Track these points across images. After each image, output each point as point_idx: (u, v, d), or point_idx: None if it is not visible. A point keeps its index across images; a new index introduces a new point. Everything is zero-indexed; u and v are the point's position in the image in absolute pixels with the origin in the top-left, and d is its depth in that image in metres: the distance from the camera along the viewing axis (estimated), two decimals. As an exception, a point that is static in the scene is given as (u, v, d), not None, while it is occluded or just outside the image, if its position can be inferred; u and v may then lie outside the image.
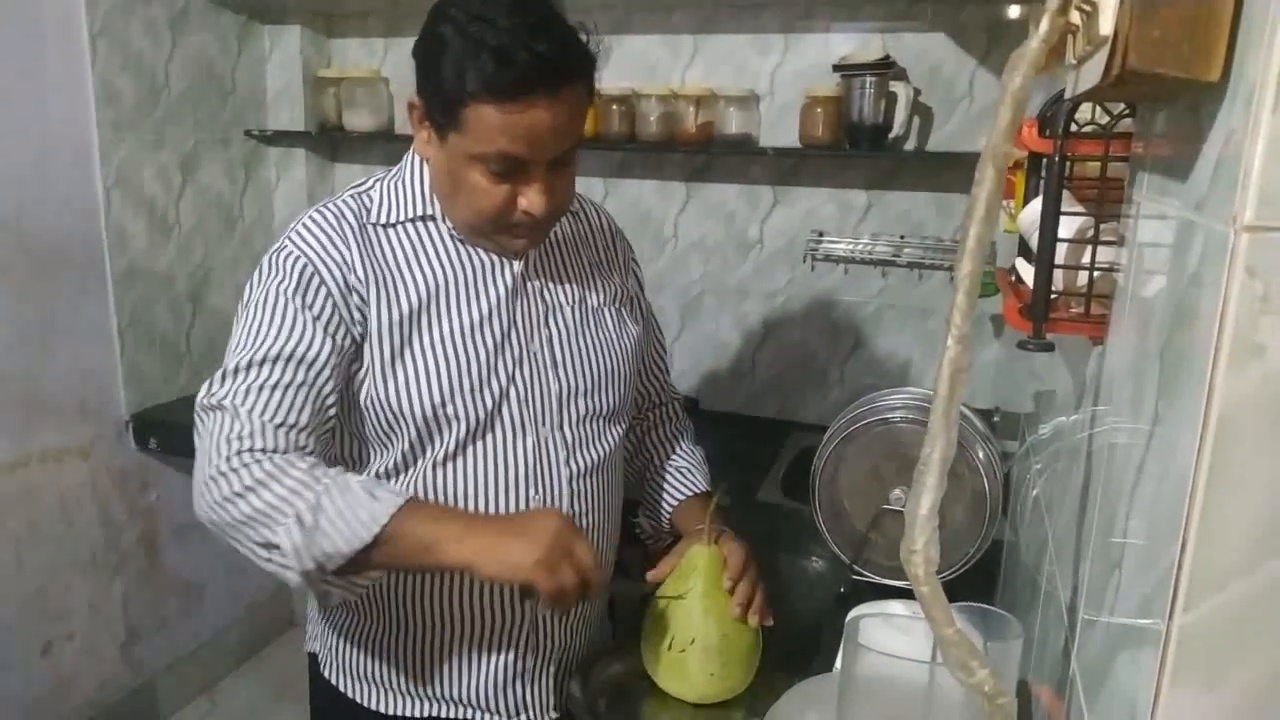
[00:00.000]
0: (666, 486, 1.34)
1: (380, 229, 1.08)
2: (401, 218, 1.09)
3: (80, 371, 2.10)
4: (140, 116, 2.17)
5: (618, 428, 1.23)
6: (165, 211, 2.27)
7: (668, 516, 1.32)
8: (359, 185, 1.12)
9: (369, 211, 1.09)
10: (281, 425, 1.00)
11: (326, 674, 1.23)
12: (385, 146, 2.52)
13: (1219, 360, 0.43)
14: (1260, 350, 0.42)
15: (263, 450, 0.98)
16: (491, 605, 1.15)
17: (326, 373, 1.03)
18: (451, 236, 1.10)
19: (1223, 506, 0.44)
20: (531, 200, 1.02)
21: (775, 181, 2.19)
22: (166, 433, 2.22)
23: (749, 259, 2.26)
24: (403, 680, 1.18)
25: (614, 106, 2.12)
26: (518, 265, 1.12)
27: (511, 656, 1.17)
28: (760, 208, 2.22)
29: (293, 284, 1.03)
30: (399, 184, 1.11)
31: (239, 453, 0.98)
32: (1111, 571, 0.63)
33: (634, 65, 2.20)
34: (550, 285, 1.16)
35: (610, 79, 2.17)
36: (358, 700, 1.20)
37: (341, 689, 1.21)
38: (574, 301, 1.18)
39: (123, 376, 2.20)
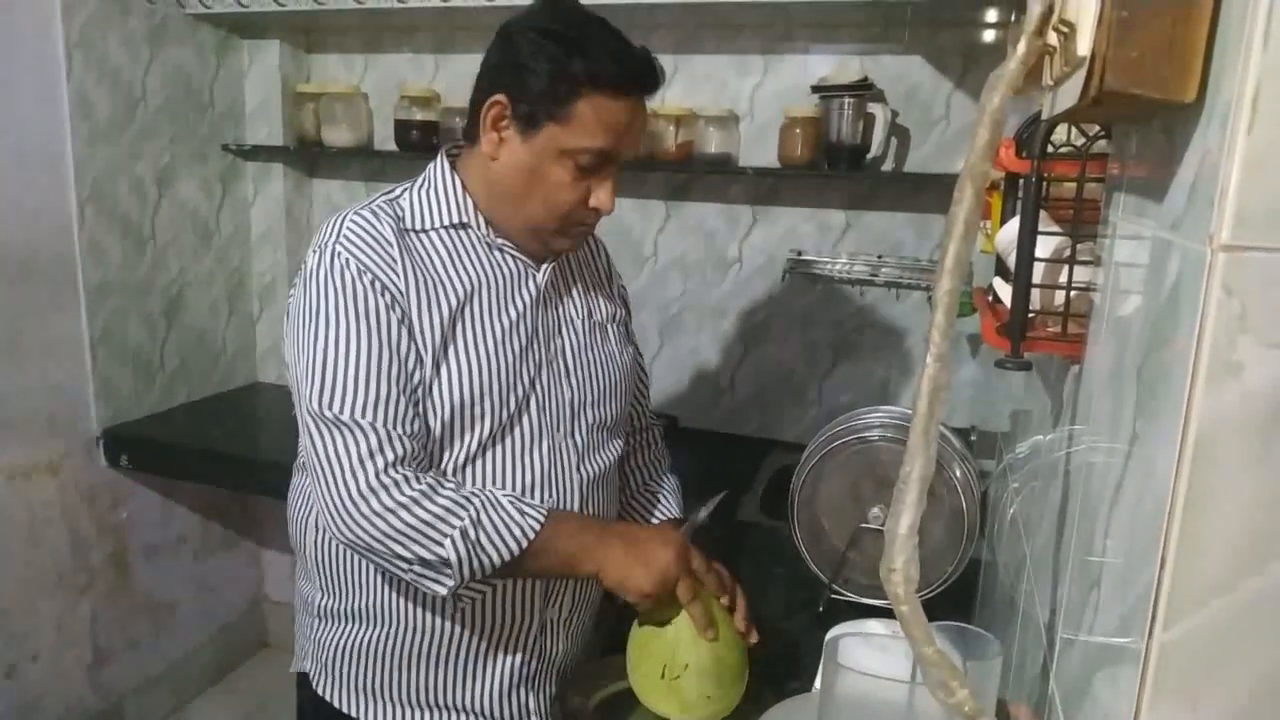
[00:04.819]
0: (640, 510, 1.38)
1: (415, 234, 1.11)
2: (436, 224, 1.12)
3: (50, 386, 2.07)
4: (116, 129, 2.15)
5: (618, 441, 1.28)
6: (140, 225, 2.25)
7: None
8: (388, 193, 1.15)
9: (401, 219, 1.11)
10: (405, 433, 1.05)
11: (322, 691, 1.23)
12: (364, 162, 2.51)
13: (1197, 379, 0.44)
14: (1238, 369, 0.43)
15: (401, 459, 1.04)
16: (503, 609, 1.17)
17: (417, 372, 1.07)
18: (485, 244, 1.14)
19: (1201, 524, 0.45)
20: (602, 198, 1.10)
21: (754, 201, 2.20)
22: (138, 449, 2.19)
23: (728, 277, 2.26)
24: (408, 690, 1.19)
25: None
26: (542, 276, 1.17)
27: (518, 661, 1.21)
28: (739, 227, 2.23)
29: (364, 288, 1.05)
30: (431, 192, 1.14)
31: (385, 468, 1.03)
32: (1090, 590, 0.63)
33: (614, 84, 2.20)
34: (562, 299, 1.22)
35: (591, 97, 2.18)
36: (357, 716, 1.21)
37: (339, 705, 1.21)
38: (582, 315, 1.23)
39: (94, 392, 2.17)
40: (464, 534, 1.03)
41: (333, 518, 1.03)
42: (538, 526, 1.06)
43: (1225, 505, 0.44)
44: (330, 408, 1.03)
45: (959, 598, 1.34)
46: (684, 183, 2.25)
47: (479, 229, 1.14)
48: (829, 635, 0.88)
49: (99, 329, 2.16)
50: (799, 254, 2.15)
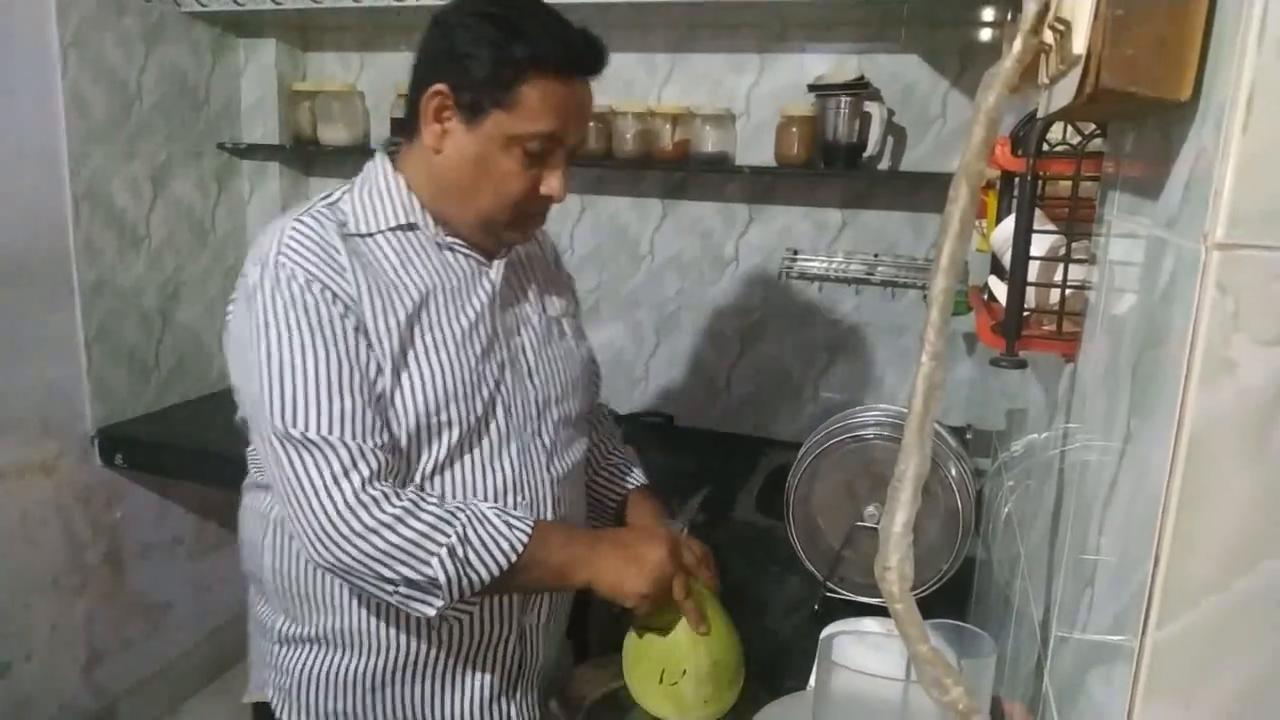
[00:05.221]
0: (607, 484, 1.36)
1: (360, 239, 1.07)
2: (382, 227, 1.08)
3: (45, 386, 2.06)
4: (111, 128, 2.14)
5: (583, 437, 1.26)
6: (135, 224, 2.24)
7: (613, 510, 1.34)
8: (326, 198, 1.10)
9: (344, 224, 1.07)
10: (376, 446, 1.01)
11: None
12: (360, 160, 2.47)
13: (1191, 377, 0.44)
14: (1231, 366, 0.43)
15: (376, 474, 1.00)
16: (482, 620, 1.13)
17: (379, 382, 1.03)
18: (435, 244, 1.11)
19: (1195, 523, 0.45)
20: (554, 186, 1.07)
21: (751, 199, 2.20)
22: (133, 449, 2.18)
23: (725, 276, 2.26)
24: (383, 712, 1.14)
25: (591, 124, 2.12)
26: (495, 274, 1.14)
27: (498, 672, 1.17)
28: (736, 225, 2.23)
29: (314, 298, 1.00)
30: (372, 193, 1.10)
31: (363, 486, 0.99)
32: (1084, 588, 0.63)
33: (611, 83, 2.18)
34: (517, 296, 1.19)
35: (587, 96, 2.18)
36: None
37: None
38: (538, 311, 1.20)
39: (89, 391, 2.16)
40: (451, 551, 0.99)
41: (311, 542, 0.99)
42: (525, 539, 1.03)
43: (1219, 503, 0.44)
44: (295, 426, 0.98)
45: (954, 596, 1.34)
46: (680, 181, 2.25)
47: (427, 229, 1.10)
48: (824, 633, 0.88)
49: (94, 328, 2.15)
50: (795, 253, 2.15)
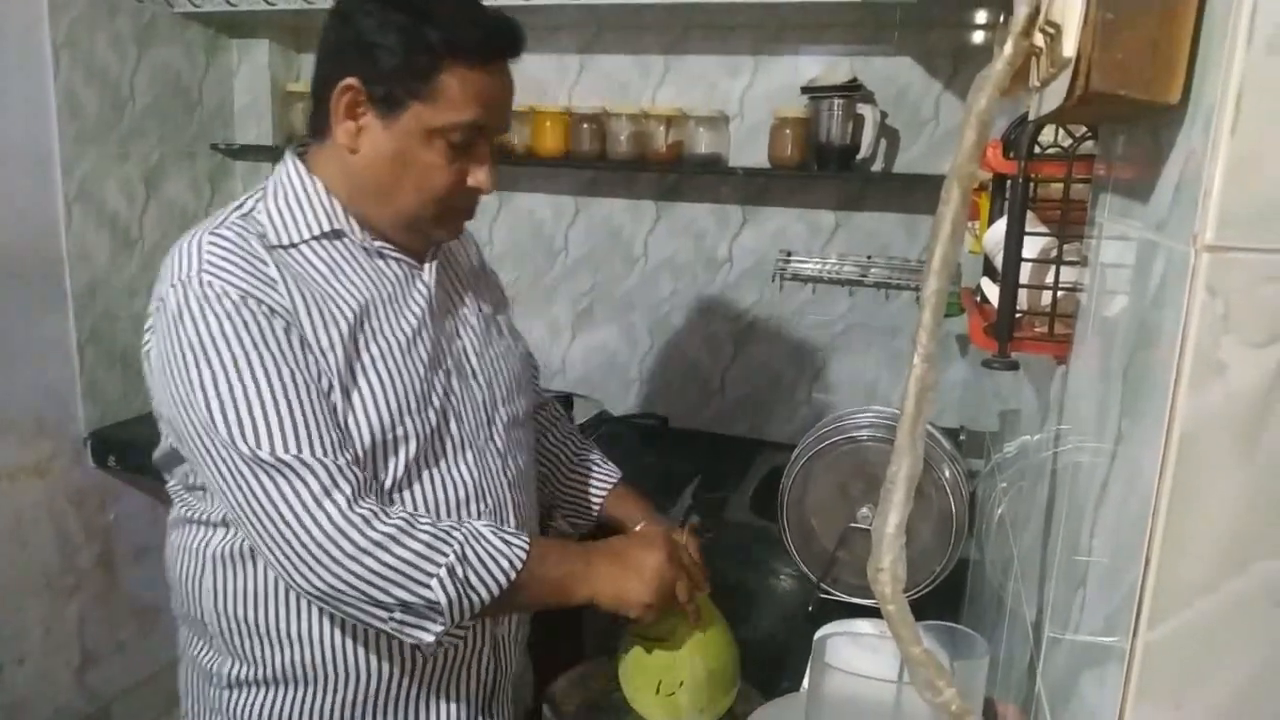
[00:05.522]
0: (585, 482, 1.34)
1: (283, 251, 1.00)
2: (305, 236, 1.02)
3: (38, 388, 2.06)
4: (104, 129, 2.14)
5: (531, 436, 1.23)
6: (128, 226, 2.24)
7: (598, 508, 1.33)
8: (237, 208, 1.04)
9: (264, 235, 1.00)
10: (350, 461, 0.96)
11: None
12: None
13: (1181, 379, 0.44)
14: (1221, 368, 0.43)
15: (357, 491, 0.95)
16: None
17: (332, 396, 0.98)
18: (364, 250, 1.05)
19: (1186, 524, 0.45)
20: (481, 178, 1.03)
21: (744, 201, 2.20)
22: (126, 451, 2.17)
23: (718, 278, 2.26)
24: None
25: (585, 125, 2.13)
26: (429, 277, 1.09)
27: (474, 687, 1.14)
28: (729, 227, 2.23)
29: (251, 314, 0.94)
30: (289, 200, 1.03)
31: (350, 505, 0.93)
32: (1076, 589, 0.64)
33: (605, 84, 2.21)
34: (451, 298, 1.15)
35: (581, 98, 2.18)
36: None
37: None
38: (475, 312, 1.17)
39: (81, 393, 2.15)
40: (451, 571, 0.94)
41: (295, 569, 0.92)
42: (524, 555, 0.99)
43: (1209, 505, 0.44)
44: (262, 448, 0.91)
45: (947, 597, 1.34)
46: (674, 183, 2.25)
47: (354, 235, 1.04)
48: (817, 635, 0.88)
49: (87, 330, 2.15)
50: (789, 254, 2.15)
